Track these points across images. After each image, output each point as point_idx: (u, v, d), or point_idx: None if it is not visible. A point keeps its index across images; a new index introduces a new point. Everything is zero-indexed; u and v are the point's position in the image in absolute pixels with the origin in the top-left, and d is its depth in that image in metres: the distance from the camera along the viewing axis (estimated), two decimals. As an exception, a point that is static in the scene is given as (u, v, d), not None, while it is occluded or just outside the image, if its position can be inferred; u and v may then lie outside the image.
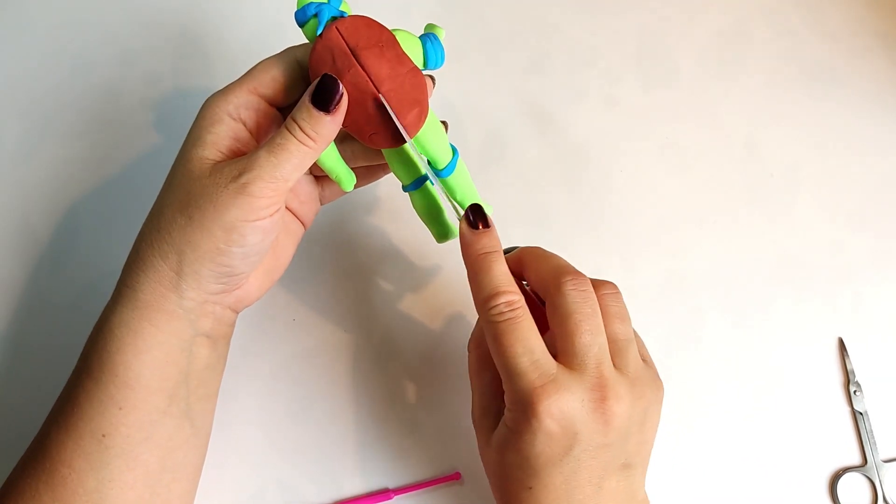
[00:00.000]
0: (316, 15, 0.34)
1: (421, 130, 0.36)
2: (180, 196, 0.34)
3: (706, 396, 0.45)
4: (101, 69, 0.52)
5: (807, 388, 0.46)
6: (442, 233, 0.39)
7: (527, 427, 0.33)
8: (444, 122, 0.39)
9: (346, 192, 0.39)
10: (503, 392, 0.35)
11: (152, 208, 0.36)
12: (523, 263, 0.37)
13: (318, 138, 0.34)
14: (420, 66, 0.36)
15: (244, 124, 0.35)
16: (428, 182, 0.38)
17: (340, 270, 0.47)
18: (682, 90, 0.53)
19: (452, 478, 0.43)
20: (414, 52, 0.36)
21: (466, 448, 0.44)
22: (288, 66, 0.36)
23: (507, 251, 0.37)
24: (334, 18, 0.34)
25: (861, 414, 0.45)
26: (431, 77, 0.38)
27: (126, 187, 0.49)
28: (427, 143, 0.37)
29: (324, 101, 0.34)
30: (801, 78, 0.53)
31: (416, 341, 0.46)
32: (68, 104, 0.51)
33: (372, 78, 0.34)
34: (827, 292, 0.48)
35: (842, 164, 0.51)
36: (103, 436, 0.34)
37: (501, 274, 0.35)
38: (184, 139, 0.36)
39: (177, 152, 0.36)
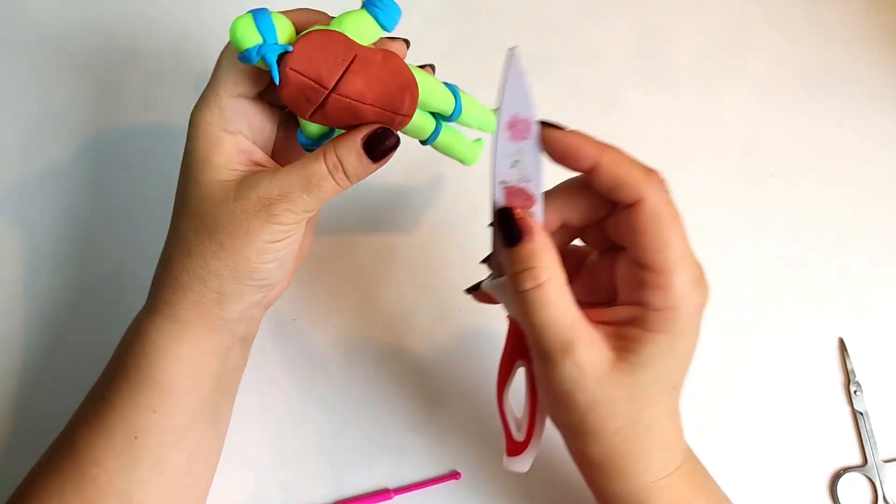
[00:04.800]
0: (263, 58, 0.31)
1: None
2: (206, 221, 0.33)
3: (707, 397, 0.45)
4: (102, 69, 0.52)
5: (807, 388, 0.46)
6: (468, 158, 0.39)
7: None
8: (430, 66, 0.37)
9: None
10: None
11: (173, 231, 0.36)
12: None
13: (356, 180, 0.34)
14: (380, 35, 0.34)
15: (241, 133, 0.35)
16: (444, 125, 0.37)
17: (341, 270, 0.47)
18: (682, 90, 0.53)
19: (452, 478, 0.43)
20: (366, 27, 0.33)
21: (466, 448, 0.44)
22: None
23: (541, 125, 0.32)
24: (283, 55, 0.31)
25: (861, 414, 0.45)
26: (404, 40, 0.36)
27: (126, 187, 0.49)
28: (427, 105, 0.36)
29: (378, 153, 0.33)
30: (801, 78, 0.53)
31: (417, 341, 0.46)
32: (68, 104, 0.51)
33: (353, 98, 0.32)
34: (827, 292, 0.48)
35: (842, 163, 0.51)
36: (136, 438, 0.34)
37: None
38: (183, 159, 0.35)
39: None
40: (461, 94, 0.37)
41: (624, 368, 0.31)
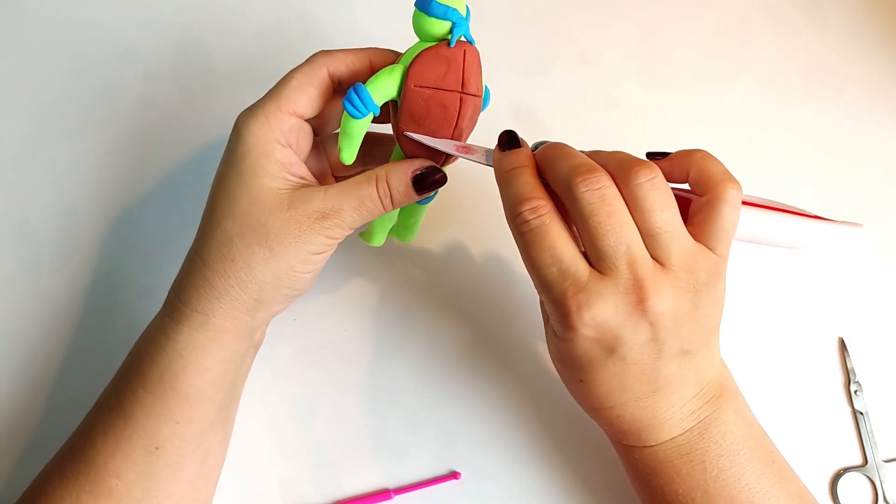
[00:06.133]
0: (453, 24, 0.34)
1: None
2: (254, 226, 0.34)
3: (706, 396, 0.45)
4: (101, 69, 0.52)
5: (807, 388, 0.46)
6: (379, 240, 0.42)
7: (566, 335, 0.33)
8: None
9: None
10: None
11: (209, 234, 0.35)
12: (544, 166, 0.35)
13: (399, 206, 0.37)
14: None
15: (291, 148, 0.36)
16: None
17: (340, 270, 0.47)
18: (682, 90, 0.53)
19: (452, 477, 0.43)
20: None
21: (466, 448, 0.44)
22: (322, 82, 0.37)
23: (535, 146, 0.36)
24: (460, 38, 0.35)
25: (862, 414, 0.45)
26: None
27: (126, 187, 0.49)
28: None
29: (423, 188, 0.36)
30: (801, 78, 0.53)
31: (416, 341, 0.46)
32: (68, 104, 0.51)
33: (458, 118, 0.35)
34: (827, 292, 0.48)
35: (842, 163, 0.51)
36: (157, 448, 0.35)
37: (526, 183, 0.34)
38: (227, 161, 0.36)
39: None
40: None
41: None
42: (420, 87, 0.34)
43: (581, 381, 0.34)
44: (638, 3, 0.55)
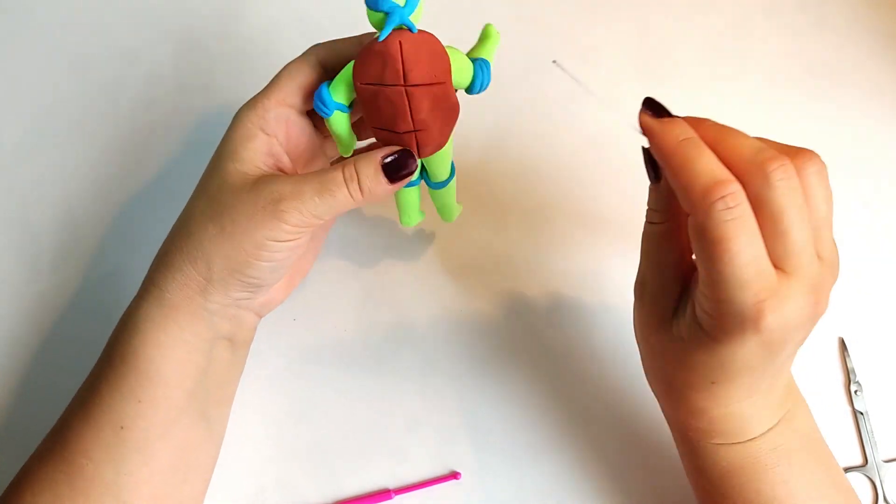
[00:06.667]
0: (386, 14, 0.32)
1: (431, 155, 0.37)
2: (214, 205, 0.35)
3: (706, 396, 0.45)
4: (102, 69, 0.52)
5: (807, 388, 0.45)
6: (407, 221, 0.42)
7: (735, 339, 0.29)
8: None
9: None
10: (687, 276, 0.32)
11: (183, 212, 0.37)
12: (710, 142, 0.31)
13: (369, 197, 0.35)
14: (464, 87, 0.35)
15: (276, 137, 0.36)
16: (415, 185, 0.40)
17: (341, 270, 0.47)
18: (682, 90, 0.53)
19: (452, 477, 0.43)
20: (463, 72, 0.35)
21: (466, 448, 0.44)
22: (312, 70, 0.36)
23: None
24: (401, 27, 0.32)
25: (862, 414, 0.45)
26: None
27: (126, 187, 0.49)
28: (431, 163, 0.38)
29: (394, 175, 0.34)
30: (801, 78, 0.53)
31: (416, 341, 0.46)
32: (68, 104, 0.51)
33: (412, 111, 0.33)
34: (827, 292, 0.48)
35: (842, 163, 0.51)
36: (122, 428, 0.34)
37: (713, 161, 0.29)
38: (216, 148, 0.37)
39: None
40: (454, 179, 0.40)
41: None
42: (365, 84, 0.33)
43: (713, 382, 0.31)
44: (639, 2, 0.55)
